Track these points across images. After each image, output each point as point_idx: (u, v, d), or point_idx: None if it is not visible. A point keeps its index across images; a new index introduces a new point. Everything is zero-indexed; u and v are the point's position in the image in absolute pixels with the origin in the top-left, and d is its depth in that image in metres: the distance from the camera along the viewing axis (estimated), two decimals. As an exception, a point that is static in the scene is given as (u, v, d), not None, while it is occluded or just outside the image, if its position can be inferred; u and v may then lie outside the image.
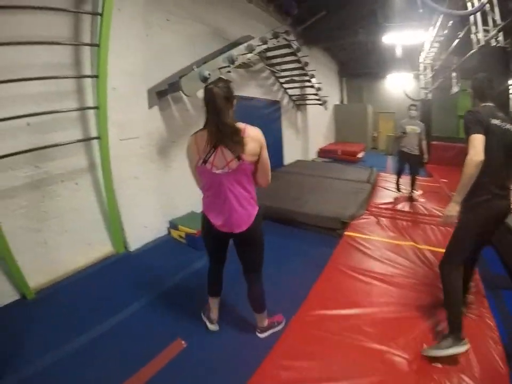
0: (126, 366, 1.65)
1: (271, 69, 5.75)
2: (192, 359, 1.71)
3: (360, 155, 8.95)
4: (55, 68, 2.35)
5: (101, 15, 2.32)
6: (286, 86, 6.52)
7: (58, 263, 2.54)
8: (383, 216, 3.63)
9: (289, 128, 7.17)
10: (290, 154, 7.08)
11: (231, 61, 3.56)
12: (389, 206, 4.03)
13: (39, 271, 2.40)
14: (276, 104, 6.29)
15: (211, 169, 1.44)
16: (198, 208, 2.00)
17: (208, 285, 1.88)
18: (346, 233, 3.12)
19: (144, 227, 3.14)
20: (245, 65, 4.56)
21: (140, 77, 2.97)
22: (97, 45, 2.37)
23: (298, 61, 5.55)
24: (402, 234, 3.15)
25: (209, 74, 3.09)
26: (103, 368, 1.66)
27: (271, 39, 4.33)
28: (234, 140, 1.38)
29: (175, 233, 3.28)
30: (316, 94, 6.73)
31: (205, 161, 1.44)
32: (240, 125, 1.44)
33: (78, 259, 2.67)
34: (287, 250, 2.98)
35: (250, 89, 5.27)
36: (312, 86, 6.43)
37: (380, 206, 4.00)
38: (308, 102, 7.38)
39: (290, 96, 6.95)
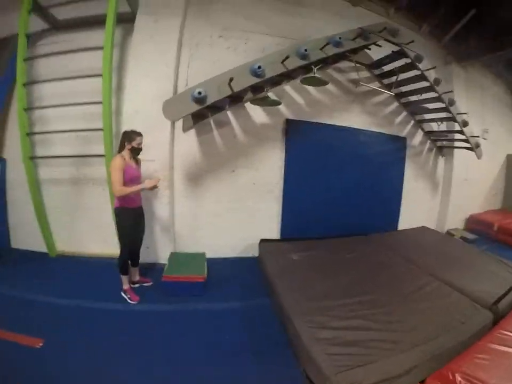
0: None
1: (386, 91, 3.78)
2: None
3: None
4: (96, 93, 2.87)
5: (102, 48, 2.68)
6: (419, 117, 4.47)
7: (78, 243, 3.34)
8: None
9: (419, 178, 4.81)
10: (413, 216, 4.69)
11: (302, 55, 2.75)
12: None
13: (64, 243, 3.24)
14: (398, 141, 4.37)
15: None
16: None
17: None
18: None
19: (146, 248, 3.23)
20: (317, 81, 3.15)
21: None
22: (100, 75, 2.70)
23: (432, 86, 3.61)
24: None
25: (199, 93, 2.50)
26: None
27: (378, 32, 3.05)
28: None
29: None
30: (460, 132, 4.09)
31: None
32: None
33: (93, 247, 3.34)
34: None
35: (352, 117, 3.92)
36: (452, 119, 3.98)
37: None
38: (454, 144, 4.72)
39: (427, 133, 4.65)
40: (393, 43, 3.32)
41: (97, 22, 3.17)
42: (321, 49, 2.90)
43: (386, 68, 3.86)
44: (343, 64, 3.75)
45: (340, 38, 2.93)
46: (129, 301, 2.54)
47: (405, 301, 2.30)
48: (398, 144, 4.38)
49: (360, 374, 1.54)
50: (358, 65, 3.57)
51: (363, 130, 3.98)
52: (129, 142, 2.42)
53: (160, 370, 1.81)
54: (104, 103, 2.89)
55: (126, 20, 3.25)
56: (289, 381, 1.74)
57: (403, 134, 4.45)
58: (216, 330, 2.20)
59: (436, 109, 4.01)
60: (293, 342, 1.99)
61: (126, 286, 2.60)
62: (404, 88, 4.00)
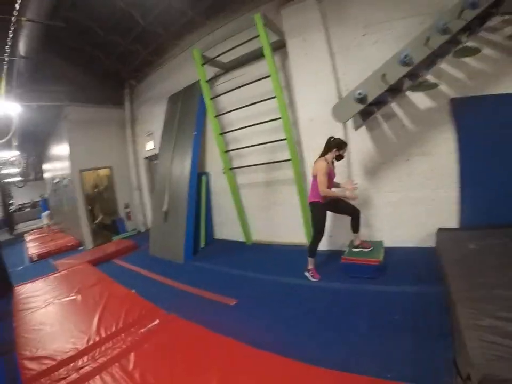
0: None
1: None
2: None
3: None
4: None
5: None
6: None
7: (270, 233, 4.16)
8: None
9: None
10: None
11: (442, 30, 2.64)
12: None
13: (258, 233, 4.13)
14: None
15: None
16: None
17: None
18: None
19: (329, 237, 3.62)
20: (468, 51, 2.88)
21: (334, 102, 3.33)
22: (274, 97, 3.45)
23: None
24: None
25: (359, 93, 2.75)
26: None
27: None
28: None
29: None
30: None
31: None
32: None
33: (283, 237, 4.10)
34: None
35: None
36: None
37: None
38: None
39: None
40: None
41: (256, 56, 3.99)
42: (458, 17, 2.72)
43: None
44: (495, 21, 3.16)
45: None
46: (311, 278, 2.97)
47: None
48: None
49: (506, 365, 1.33)
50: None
51: None
52: (339, 149, 2.89)
53: (325, 335, 2.07)
54: (283, 117, 3.57)
55: (279, 47, 3.92)
56: (437, 366, 1.67)
57: None
58: (384, 310, 2.32)
59: None
60: (453, 328, 1.88)
61: (311, 266, 3.02)
62: None
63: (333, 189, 2.96)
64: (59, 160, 7.25)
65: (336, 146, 2.90)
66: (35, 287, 3.42)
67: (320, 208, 2.93)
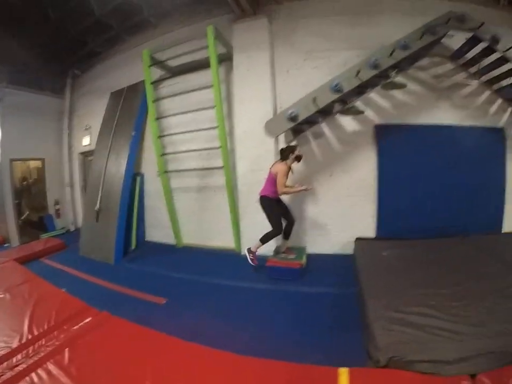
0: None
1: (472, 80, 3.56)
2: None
3: None
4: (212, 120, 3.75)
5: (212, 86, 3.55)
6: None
7: (201, 237, 4.21)
8: None
9: None
10: None
11: (373, 65, 3.04)
12: None
13: (189, 237, 4.16)
14: (493, 133, 3.80)
15: None
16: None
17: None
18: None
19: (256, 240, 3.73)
20: (395, 85, 3.41)
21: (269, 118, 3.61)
22: (214, 107, 3.64)
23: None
24: None
25: (291, 113, 3.16)
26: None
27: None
28: None
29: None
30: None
31: None
32: None
33: (213, 241, 4.21)
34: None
35: (440, 113, 3.75)
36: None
37: None
38: None
39: None
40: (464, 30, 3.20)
41: (202, 65, 4.05)
42: (390, 55, 3.10)
43: (470, 56, 3.54)
44: (425, 62, 3.70)
45: (405, 41, 3.09)
46: (250, 261, 3.25)
47: (487, 299, 2.10)
48: (494, 136, 3.83)
49: (409, 350, 1.58)
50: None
51: (453, 125, 3.75)
52: (293, 152, 3.18)
53: (249, 329, 2.28)
54: (219, 126, 3.72)
55: (226, 59, 4.10)
56: (350, 354, 1.88)
57: (498, 124, 3.81)
58: (302, 307, 2.61)
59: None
60: (363, 321, 2.12)
61: (254, 250, 3.30)
62: (493, 73, 3.54)
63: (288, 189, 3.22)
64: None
65: (291, 151, 3.20)
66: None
67: (269, 201, 3.22)
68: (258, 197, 3.28)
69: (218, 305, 2.70)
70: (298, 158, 3.25)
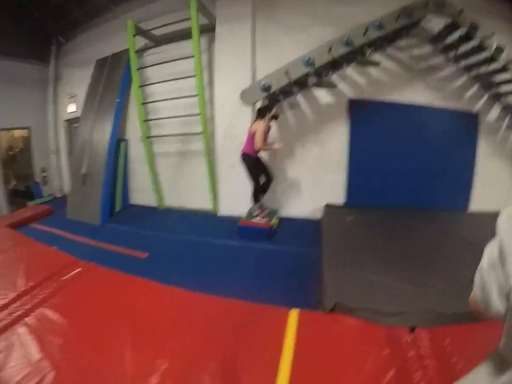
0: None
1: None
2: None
3: None
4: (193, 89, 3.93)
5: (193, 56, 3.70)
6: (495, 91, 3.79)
7: (181, 200, 4.48)
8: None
9: (496, 157, 4.07)
10: (489, 197, 3.83)
11: (345, 43, 3.23)
12: None
13: (170, 199, 4.45)
14: (467, 117, 3.90)
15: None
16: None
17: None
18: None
19: (232, 202, 4.20)
20: (368, 62, 3.66)
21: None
22: (194, 76, 3.81)
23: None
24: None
25: (264, 84, 3.42)
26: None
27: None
28: None
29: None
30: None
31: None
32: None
33: (192, 203, 4.50)
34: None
35: (414, 94, 3.87)
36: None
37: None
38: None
39: (505, 108, 3.89)
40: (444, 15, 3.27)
41: (186, 35, 4.14)
42: (364, 34, 3.25)
43: (449, 41, 3.61)
44: (404, 42, 3.81)
45: (379, 22, 3.22)
46: (262, 220, 3.55)
47: (435, 265, 2.30)
48: (467, 120, 3.95)
49: (354, 298, 1.79)
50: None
51: (426, 106, 3.86)
52: (270, 111, 3.37)
53: (222, 277, 2.60)
54: (199, 95, 3.92)
55: (208, 30, 4.23)
56: (304, 300, 2.15)
57: (475, 109, 3.92)
58: (267, 262, 2.95)
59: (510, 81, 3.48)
60: (319, 275, 2.35)
61: (258, 211, 3.61)
62: (471, 60, 3.60)
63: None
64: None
65: (268, 110, 3.39)
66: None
67: (250, 158, 3.44)
68: (240, 154, 3.50)
69: (193, 259, 3.03)
70: (275, 117, 3.48)
